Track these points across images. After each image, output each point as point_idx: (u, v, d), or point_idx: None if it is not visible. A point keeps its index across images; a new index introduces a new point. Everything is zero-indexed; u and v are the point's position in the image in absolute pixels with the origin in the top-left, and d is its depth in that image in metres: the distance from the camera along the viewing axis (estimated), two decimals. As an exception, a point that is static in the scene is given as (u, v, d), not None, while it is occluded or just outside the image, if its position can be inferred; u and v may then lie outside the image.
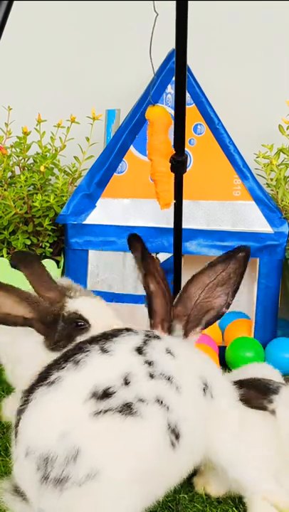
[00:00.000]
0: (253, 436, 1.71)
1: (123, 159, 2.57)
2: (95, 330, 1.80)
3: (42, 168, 2.64)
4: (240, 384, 1.72)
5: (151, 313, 1.73)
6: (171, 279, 2.24)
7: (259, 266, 2.61)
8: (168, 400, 1.51)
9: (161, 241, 2.58)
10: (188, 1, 1.65)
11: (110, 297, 2.61)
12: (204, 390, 1.62)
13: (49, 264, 2.53)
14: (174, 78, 1.87)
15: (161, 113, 1.93)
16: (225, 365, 2.55)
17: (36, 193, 2.65)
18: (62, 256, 2.66)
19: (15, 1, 1.35)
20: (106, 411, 1.43)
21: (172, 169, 1.94)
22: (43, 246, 2.67)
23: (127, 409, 1.45)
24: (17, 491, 1.50)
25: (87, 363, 1.50)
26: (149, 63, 1.84)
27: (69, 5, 2.95)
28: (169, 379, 1.54)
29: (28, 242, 2.65)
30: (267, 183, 2.73)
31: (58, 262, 2.60)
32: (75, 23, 2.99)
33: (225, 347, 2.60)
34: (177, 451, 1.51)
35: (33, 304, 1.80)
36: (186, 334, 1.72)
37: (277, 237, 2.57)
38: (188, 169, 2.00)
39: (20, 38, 2.87)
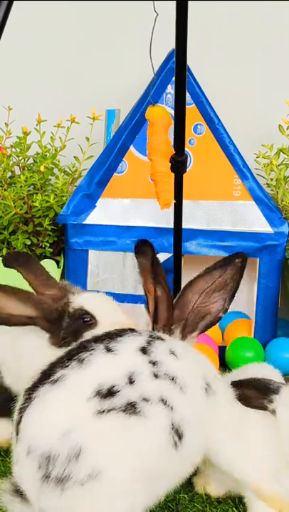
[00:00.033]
0: (253, 436, 1.71)
1: (123, 159, 2.57)
2: (102, 326, 1.81)
3: (42, 168, 2.64)
4: (241, 384, 1.71)
5: (155, 318, 1.73)
6: (171, 279, 2.24)
7: (259, 266, 2.61)
8: (172, 400, 1.51)
9: (161, 241, 2.58)
10: (188, 1, 1.65)
11: (110, 297, 2.61)
12: (206, 390, 1.62)
13: (49, 264, 2.53)
14: (174, 78, 1.87)
15: (161, 113, 1.93)
16: (225, 365, 2.56)
17: (36, 193, 2.65)
18: (62, 256, 2.66)
19: (15, 1, 1.35)
20: (110, 410, 1.43)
21: (172, 169, 1.94)
22: (43, 246, 2.67)
23: (131, 408, 1.45)
24: (17, 492, 1.50)
25: (91, 361, 1.50)
26: (149, 63, 1.84)
27: (69, 5, 2.95)
28: (173, 379, 1.54)
29: (28, 242, 2.65)
30: (267, 183, 2.73)
31: (58, 262, 2.60)
32: (75, 23, 2.99)
33: (225, 347, 2.60)
34: (180, 452, 1.51)
35: (36, 302, 1.80)
36: (183, 338, 1.73)
37: (277, 237, 2.57)
38: (188, 169, 2.00)
39: (21, 38, 2.88)
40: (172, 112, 1.90)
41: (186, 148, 1.95)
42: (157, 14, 1.72)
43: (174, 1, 1.63)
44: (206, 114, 2.56)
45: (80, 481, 1.39)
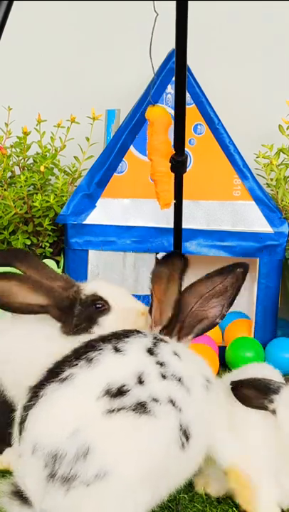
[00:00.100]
0: (253, 436, 1.71)
1: (123, 159, 2.57)
2: (116, 311, 1.83)
3: (42, 168, 2.64)
4: (241, 384, 1.72)
5: (158, 321, 1.73)
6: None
7: (259, 266, 2.61)
8: (180, 400, 1.52)
9: (161, 241, 2.58)
10: (188, 1, 1.65)
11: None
12: (207, 390, 1.63)
13: (49, 264, 2.53)
14: (174, 78, 1.87)
15: (161, 113, 1.93)
16: (225, 365, 2.55)
17: (36, 193, 2.65)
18: (62, 256, 2.66)
19: (15, 1, 1.35)
20: (120, 409, 1.43)
21: (172, 169, 1.94)
22: (43, 246, 2.67)
23: (141, 408, 1.45)
24: (16, 494, 1.49)
25: (100, 361, 1.50)
26: (149, 63, 1.84)
27: (69, 5, 2.95)
28: (179, 380, 1.55)
29: (28, 242, 2.65)
30: (267, 183, 2.73)
31: (58, 262, 2.60)
32: (75, 23, 2.99)
33: (225, 347, 2.60)
34: (186, 452, 1.52)
35: (48, 290, 1.80)
36: (178, 340, 1.73)
37: (277, 237, 2.57)
38: (188, 169, 2.00)
39: (21, 38, 2.87)
40: (172, 112, 1.90)
41: (186, 148, 1.95)
42: (157, 14, 1.72)
43: (174, 1, 1.63)
44: (206, 114, 2.56)
45: (87, 481, 1.38)
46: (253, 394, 1.69)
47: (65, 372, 1.49)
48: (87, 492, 1.39)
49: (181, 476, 1.58)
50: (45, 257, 2.63)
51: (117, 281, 2.63)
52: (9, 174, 2.74)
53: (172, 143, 1.92)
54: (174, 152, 1.92)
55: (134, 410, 1.44)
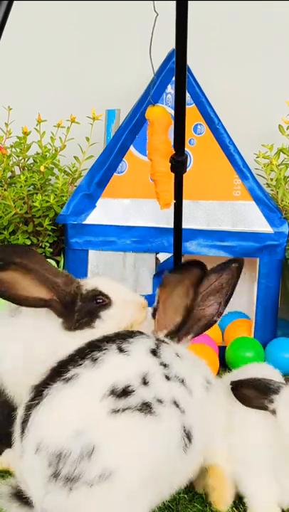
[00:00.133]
0: (253, 436, 1.71)
1: (123, 159, 2.57)
2: (117, 305, 1.85)
3: (42, 168, 2.64)
4: (241, 384, 1.72)
5: (177, 329, 1.73)
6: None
7: (259, 266, 2.61)
8: (183, 402, 1.53)
9: (161, 241, 2.58)
10: (188, 1, 1.65)
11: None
12: (207, 391, 1.64)
13: (49, 264, 2.53)
14: (174, 78, 1.87)
15: (161, 113, 1.93)
16: (225, 365, 2.55)
17: (36, 193, 2.65)
18: (62, 256, 2.66)
19: (15, 1, 1.35)
20: (125, 409, 1.43)
21: (172, 169, 1.94)
22: (43, 246, 2.67)
23: (146, 408, 1.45)
24: (15, 495, 1.49)
25: (104, 361, 1.51)
26: (149, 63, 1.85)
27: (69, 5, 2.95)
28: (182, 382, 1.56)
29: (28, 242, 2.65)
30: (267, 183, 2.73)
31: (58, 262, 2.60)
32: (75, 23, 2.99)
33: (225, 347, 2.60)
34: (188, 454, 1.53)
35: (52, 284, 1.81)
36: (178, 341, 1.74)
37: (277, 237, 2.57)
38: (188, 169, 2.00)
39: (21, 38, 2.87)
40: (172, 112, 1.90)
41: (186, 148, 1.95)
42: (157, 14, 1.72)
43: (174, 1, 1.63)
44: (206, 114, 2.56)
45: (90, 481, 1.38)
46: (253, 394, 1.69)
47: (70, 372, 1.49)
48: (90, 493, 1.39)
49: (182, 476, 1.58)
50: (46, 257, 2.62)
51: (117, 281, 2.63)
52: (9, 174, 2.74)
53: (172, 143, 1.92)
54: (174, 152, 1.92)
55: (139, 410, 1.44)
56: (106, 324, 1.85)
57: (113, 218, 2.58)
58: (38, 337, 1.85)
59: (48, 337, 1.84)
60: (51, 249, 2.67)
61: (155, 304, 1.73)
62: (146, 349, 1.57)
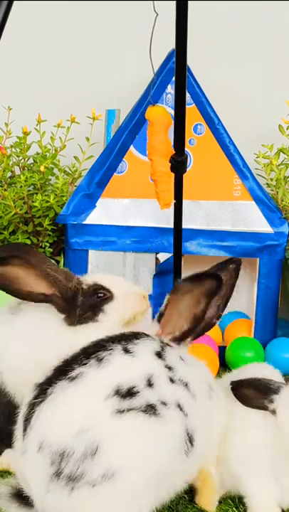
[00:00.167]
0: (253, 436, 1.71)
1: (123, 159, 2.57)
2: (118, 298, 1.87)
3: (42, 168, 2.64)
4: (241, 384, 1.72)
5: (183, 336, 1.73)
6: (171, 279, 2.24)
7: (259, 266, 2.60)
8: (186, 405, 1.53)
9: (161, 241, 2.58)
10: (188, 1, 1.65)
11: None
12: (209, 395, 1.64)
13: (49, 264, 2.53)
14: (174, 78, 1.87)
15: (161, 113, 1.93)
16: (225, 365, 2.55)
17: (36, 193, 2.65)
18: (62, 256, 2.66)
19: (15, 1, 1.35)
20: (130, 410, 1.43)
21: (172, 169, 1.94)
22: (43, 246, 2.67)
23: (150, 409, 1.45)
24: (15, 495, 1.48)
25: (110, 361, 1.50)
26: (149, 63, 1.85)
27: (69, 5, 2.95)
28: (186, 385, 1.56)
29: (28, 242, 2.65)
30: (267, 183, 2.73)
31: (58, 262, 2.60)
32: (75, 23, 2.99)
33: (225, 347, 2.60)
34: (190, 456, 1.53)
35: (54, 279, 1.82)
36: (178, 344, 1.73)
37: (277, 237, 2.57)
38: (188, 169, 2.00)
39: (21, 38, 2.87)
40: (172, 112, 1.90)
41: (186, 148, 1.95)
42: (157, 14, 1.72)
43: (174, 1, 1.63)
44: (206, 114, 2.56)
45: (93, 481, 1.38)
46: (253, 394, 1.69)
47: (75, 371, 1.49)
48: (92, 493, 1.39)
49: (183, 479, 1.59)
50: (45, 257, 2.63)
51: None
52: (9, 174, 2.74)
53: (172, 143, 1.92)
54: (174, 152, 1.92)
55: (143, 412, 1.44)
56: (109, 317, 1.86)
57: (113, 218, 2.58)
58: (39, 335, 1.85)
59: (49, 334, 1.85)
60: (51, 249, 2.67)
61: (162, 308, 1.71)
62: (152, 351, 1.57)
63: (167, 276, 2.47)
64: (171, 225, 2.15)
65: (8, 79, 2.91)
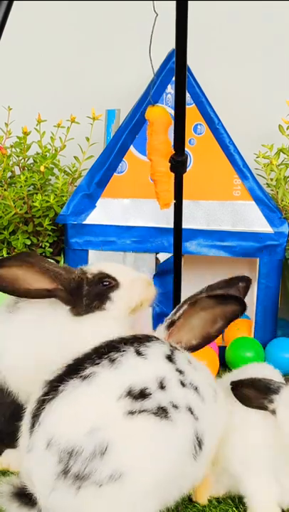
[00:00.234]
0: (253, 436, 1.71)
1: (123, 159, 2.57)
2: (124, 286, 1.87)
3: (42, 168, 2.64)
4: (241, 384, 1.72)
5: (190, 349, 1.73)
6: (171, 279, 2.24)
7: (259, 266, 2.60)
8: (197, 409, 1.53)
9: (161, 241, 2.58)
10: (188, 1, 1.65)
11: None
12: (215, 398, 1.65)
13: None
14: (174, 78, 1.87)
15: (161, 113, 1.93)
16: (225, 365, 2.55)
17: (36, 193, 2.65)
18: (62, 256, 2.66)
19: (15, 1, 1.35)
20: (141, 411, 1.43)
21: (172, 169, 1.94)
22: (43, 246, 2.67)
23: (162, 412, 1.45)
24: (16, 495, 1.48)
25: (122, 362, 1.51)
26: (149, 63, 1.84)
27: (69, 5, 2.95)
28: (196, 389, 1.56)
29: (28, 242, 2.65)
30: (267, 183, 2.73)
31: (58, 262, 2.60)
32: (75, 23, 2.99)
33: (225, 347, 2.60)
34: (198, 460, 1.53)
35: (54, 273, 1.82)
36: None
37: (277, 237, 2.57)
38: (188, 169, 2.00)
39: (21, 38, 2.87)
40: (172, 112, 1.90)
41: (186, 148, 1.95)
42: (157, 14, 1.72)
43: (174, 1, 1.63)
44: (206, 114, 2.56)
45: (100, 481, 1.37)
46: (253, 394, 1.69)
47: (87, 370, 1.49)
48: (98, 493, 1.38)
49: (191, 482, 1.59)
50: (45, 257, 2.62)
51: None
52: (9, 174, 2.74)
53: (172, 143, 1.92)
54: (174, 152, 1.92)
55: (155, 414, 1.44)
56: (116, 305, 1.86)
57: (113, 218, 2.58)
58: (39, 332, 1.85)
59: (51, 331, 1.84)
60: (51, 249, 2.67)
61: (176, 316, 1.71)
62: (163, 354, 1.58)
63: (167, 276, 2.47)
64: (171, 225, 2.15)
65: (8, 79, 2.91)
